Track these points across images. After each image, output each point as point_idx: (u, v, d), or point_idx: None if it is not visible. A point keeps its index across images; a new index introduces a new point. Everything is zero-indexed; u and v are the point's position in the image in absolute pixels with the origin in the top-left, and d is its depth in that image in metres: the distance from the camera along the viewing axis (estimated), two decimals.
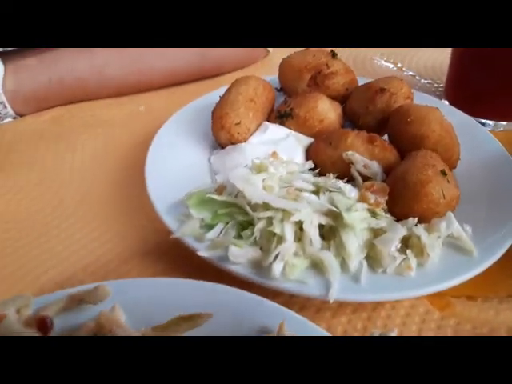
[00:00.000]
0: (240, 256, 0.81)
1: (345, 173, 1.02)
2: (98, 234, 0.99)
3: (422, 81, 1.58)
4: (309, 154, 1.10)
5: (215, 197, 0.90)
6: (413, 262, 0.82)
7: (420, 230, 0.85)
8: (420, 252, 0.84)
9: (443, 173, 0.89)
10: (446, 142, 1.02)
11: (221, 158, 1.12)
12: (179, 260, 0.93)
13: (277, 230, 0.82)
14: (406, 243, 0.87)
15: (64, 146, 1.24)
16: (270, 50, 1.59)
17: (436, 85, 1.57)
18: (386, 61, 1.68)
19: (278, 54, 1.45)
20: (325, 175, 1.02)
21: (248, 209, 0.87)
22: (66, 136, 1.28)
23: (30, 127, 1.31)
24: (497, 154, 1.15)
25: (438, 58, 1.69)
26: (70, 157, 1.21)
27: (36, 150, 1.23)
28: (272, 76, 1.31)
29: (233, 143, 1.12)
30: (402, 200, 0.89)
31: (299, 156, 1.10)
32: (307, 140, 1.13)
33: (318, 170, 1.05)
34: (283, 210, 0.85)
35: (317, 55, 1.22)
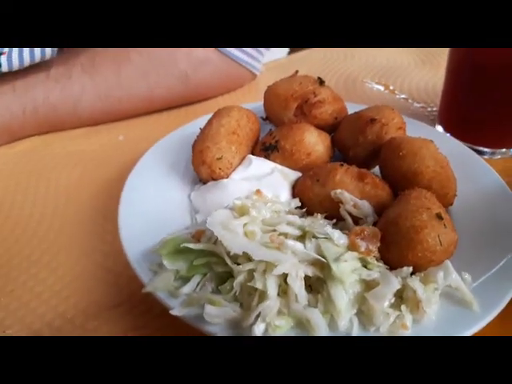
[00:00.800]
0: (217, 316, 0.73)
1: (333, 212, 0.95)
2: (60, 287, 0.90)
3: (415, 104, 1.52)
4: (295, 190, 1.02)
5: (191, 246, 0.82)
6: (408, 319, 0.75)
7: (415, 283, 0.77)
8: (415, 306, 0.77)
9: (439, 216, 0.82)
10: (441, 178, 0.95)
11: (201, 195, 1.05)
12: (153, 312, 0.86)
13: (258, 285, 0.75)
14: (400, 295, 0.79)
15: (35, 183, 1.16)
16: (257, 73, 1.52)
17: (429, 108, 1.51)
18: (377, 83, 1.62)
19: (265, 79, 1.39)
20: (312, 214, 0.95)
21: (227, 259, 0.80)
22: (37, 171, 1.20)
23: (0, 161, 1.23)
24: (495, 186, 1.09)
25: (431, 80, 1.64)
26: (42, 195, 1.13)
27: (5, 187, 1.15)
28: (258, 103, 1.25)
29: (214, 179, 1.05)
30: (395, 247, 0.82)
31: (285, 193, 1.03)
32: (294, 175, 1.05)
33: (304, 209, 0.98)
34: (266, 262, 0.77)
35: (303, 82, 1.15)
